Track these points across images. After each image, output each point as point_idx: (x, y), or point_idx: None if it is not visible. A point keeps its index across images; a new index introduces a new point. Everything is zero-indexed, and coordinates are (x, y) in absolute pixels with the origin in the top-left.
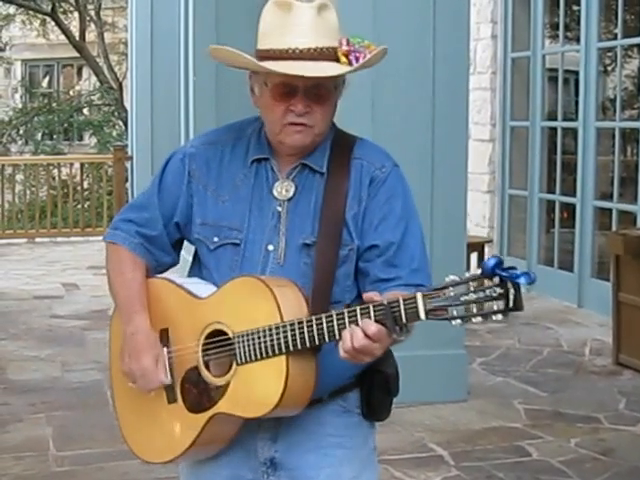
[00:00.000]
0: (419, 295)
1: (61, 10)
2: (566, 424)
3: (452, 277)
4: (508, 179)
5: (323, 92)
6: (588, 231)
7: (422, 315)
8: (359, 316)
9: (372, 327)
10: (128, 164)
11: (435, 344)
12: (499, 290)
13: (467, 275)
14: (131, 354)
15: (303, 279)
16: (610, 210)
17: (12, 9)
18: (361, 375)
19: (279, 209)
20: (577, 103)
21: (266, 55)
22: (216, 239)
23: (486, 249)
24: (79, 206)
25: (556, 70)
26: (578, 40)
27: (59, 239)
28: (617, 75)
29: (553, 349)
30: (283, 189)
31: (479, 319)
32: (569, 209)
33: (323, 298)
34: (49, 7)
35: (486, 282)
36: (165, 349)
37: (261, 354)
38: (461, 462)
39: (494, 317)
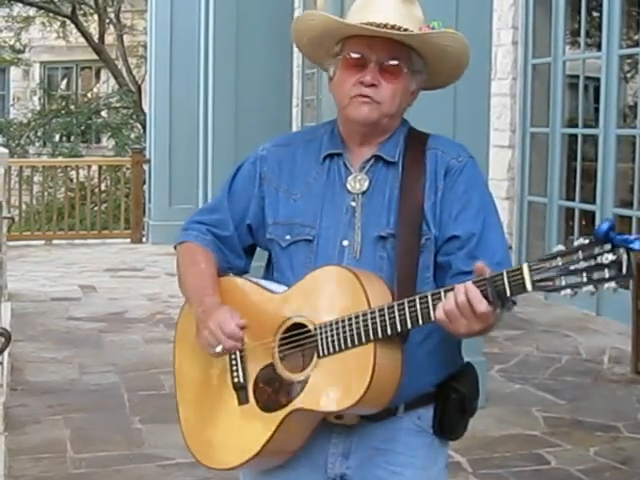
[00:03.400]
0: (525, 266)
1: (81, 12)
2: (585, 432)
3: (559, 246)
4: (527, 186)
5: (395, 69)
6: None
7: (529, 286)
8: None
9: (482, 305)
10: (146, 167)
11: None
12: (611, 257)
13: (575, 243)
14: (205, 319)
15: (380, 273)
16: (630, 218)
17: (32, 11)
18: (437, 391)
19: (353, 204)
20: (597, 110)
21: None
22: (288, 237)
23: None
24: (96, 208)
25: (577, 77)
26: (599, 47)
27: (76, 241)
28: (638, 82)
29: (572, 357)
30: (357, 183)
31: (590, 287)
32: (588, 216)
33: (408, 289)
34: (69, 9)
35: (596, 249)
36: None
37: (346, 344)
38: (479, 469)
39: (606, 285)
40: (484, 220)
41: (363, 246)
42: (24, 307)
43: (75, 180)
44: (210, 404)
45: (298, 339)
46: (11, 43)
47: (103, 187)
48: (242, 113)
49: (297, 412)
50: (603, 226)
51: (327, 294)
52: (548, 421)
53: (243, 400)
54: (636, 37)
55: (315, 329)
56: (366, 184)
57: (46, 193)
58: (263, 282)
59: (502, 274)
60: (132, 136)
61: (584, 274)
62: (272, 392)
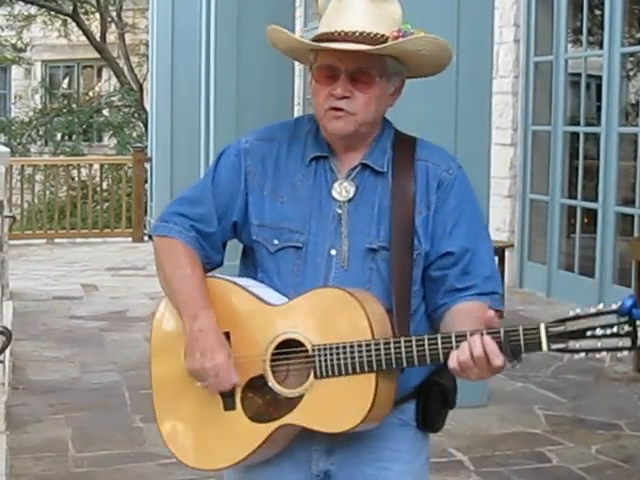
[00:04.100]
0: (542, 326)
1: (82, 11)
2: (587, 430)
3: (577, 310)
4: (529, 184)
5: (366, 78)
6: (609, 237)
7: (544, 347)
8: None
9: (499, 360)
10: (147, 165)
11: None
12: (627, 328)
13: (592, 310)
14: (203, 352)
15: (368, 284)
16: (632, 216)
17: (33, 10)
18: (419, 386)
19: (339, 211)
20: (599, 108)
21: (316, 39)
22: (276, 242)
23: (507, 254)
24: (98, 207)
25: (579, 75)
26: (601, 45)
27: (78, 240)
28: None
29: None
30: (343, 190)
31: (604, 354)
32: (590, 214)
33: (405, 308)
34: (70, 8)
35: (614, 319)
36: None
37: (347, 369)
38: (481, 467)
39: (619, 354)
40: (476, 234)
41: (350, 256)
42: (26, 306)
43: (77, 179)
44: (192, 405)
45: (293, 356)
46: (12, 42)
47: (105, 186)
48: (243, 112)
49: (287, 426)
50: (628, 302)
51: (329, 317)
52: (550, 419)
53: (229, 406)
54: (638, 35)
55: (313, 350)
56: (352, 191)
57: (48, 192)
58: (254, 288)
59: (518, 330)
60: (134, 135)
61: (599, 341)
62: (262, 403)
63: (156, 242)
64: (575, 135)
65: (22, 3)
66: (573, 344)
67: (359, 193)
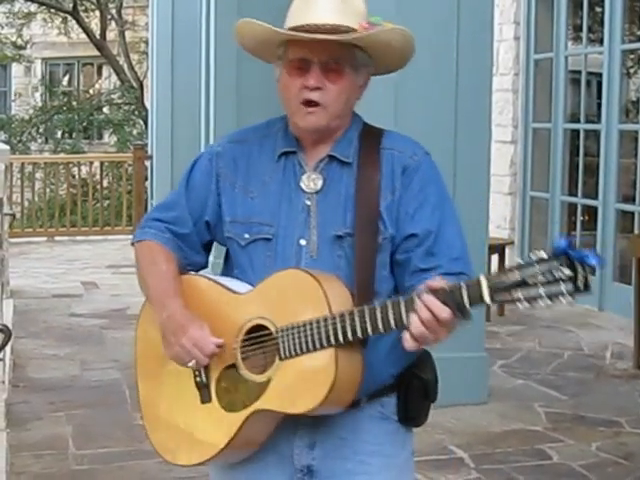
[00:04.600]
0: (483, 278)
1: (82, 8)
2: (587, 428)
3: (518, 260)
4: (529, 181)
5: (337, 68)
6: (610, 234)
7: (487, 298)
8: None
9: (444, 312)
10: (148, 163)
11: (456, 346)
12: (568, 272)
13: (533, 257)
14: (175, 332)
15: (337, 272)
16: (632, 213)
17: (33, 7)
18: (399, 380)
19: (308, 203)
20: (600, 105)
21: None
22: (247, 235)
23: (507, 251)
24: (98, 205)
25: (579, 72)
26: (601, 42)
27: (78, 238)
28: None
29: (574, 352)
30: (311, 182)
31: (547, 301)
32: (591, 212)
33: (367, 290)
34: (70, 5)
35: (554, 264)
36: None
37: (307, 347)
38: (481, 465)
39: (562, 299)
40: (440, 217)
41: (320, 245)
42: (26, 304)
43: (77, 176)
44: (173, 400)
45: (260, 341)
46: (13, 39)
47: (105, 183)
48: (244, 109)
49: (260, 412)
50: (561, 243)
51: (289, 298)
52: (550, 416)
53: (205, 399)
54: (639, 32)
55: (277, 332)
56: (320, 183)
57: (48, 190)
58: (225, 281)
59: (460, 286)
60: (134, 132)
61: (541, 288)
62: (234, 392)
63: (136, 247)
64: (575, 132)
65: (22, 1)
66: (516, 294)
67: (327, 185)
